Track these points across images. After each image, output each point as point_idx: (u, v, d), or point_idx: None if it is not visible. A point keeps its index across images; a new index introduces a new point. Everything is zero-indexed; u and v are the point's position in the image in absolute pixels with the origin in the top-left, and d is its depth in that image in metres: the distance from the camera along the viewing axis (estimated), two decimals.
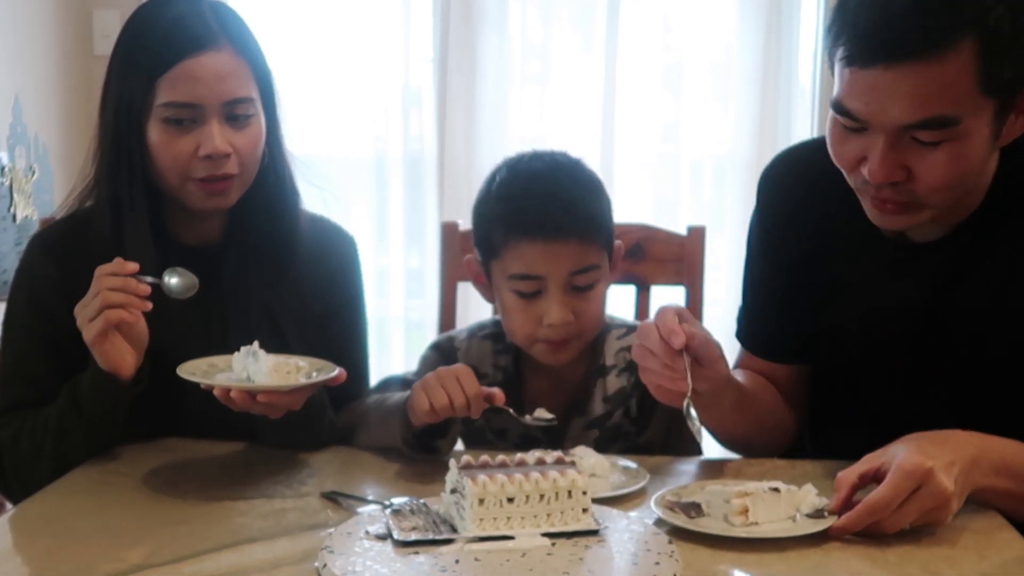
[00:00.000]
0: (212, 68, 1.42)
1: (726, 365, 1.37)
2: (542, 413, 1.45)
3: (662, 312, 1.32)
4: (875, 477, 1.20)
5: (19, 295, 1.53)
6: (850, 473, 1.22)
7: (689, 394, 1.28)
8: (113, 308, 1.33)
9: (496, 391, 1.41)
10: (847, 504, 1.20)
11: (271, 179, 1.54)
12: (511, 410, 1.45)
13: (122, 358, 1.38)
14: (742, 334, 1.63)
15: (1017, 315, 1.36)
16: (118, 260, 1.37)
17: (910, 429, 1.26)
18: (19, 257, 1.59)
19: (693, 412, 1.28)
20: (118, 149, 1.45)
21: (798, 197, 1.51)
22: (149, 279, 1.37)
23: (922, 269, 1.40)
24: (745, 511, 1.19)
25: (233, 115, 1.45)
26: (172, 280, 1.41)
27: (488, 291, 1.60)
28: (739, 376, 1.56)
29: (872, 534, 1.18)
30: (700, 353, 1.30)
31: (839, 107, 1.26)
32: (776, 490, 1.21)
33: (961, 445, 1.23)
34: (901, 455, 1.19)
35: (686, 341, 1.27)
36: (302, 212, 1.59)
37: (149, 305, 1.36)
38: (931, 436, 1.24)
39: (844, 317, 1.48)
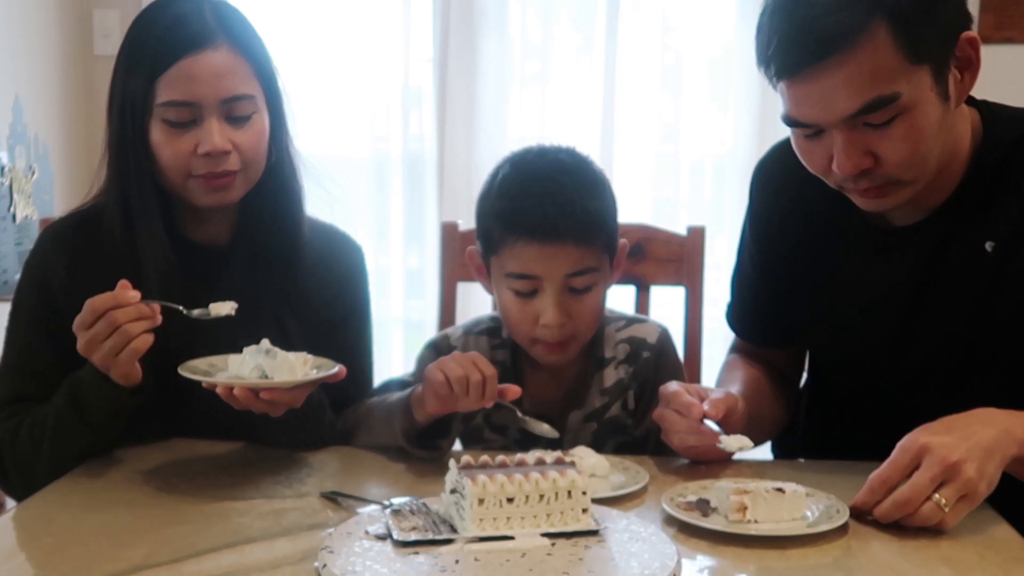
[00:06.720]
0: (209, 66, 1.42)
1: (744, 408, 1.43)
2: (546, 430, 1.47)
3: (670, 394, 1.40)
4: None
5: (28, 286, 1.53)
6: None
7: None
8: (136, 337, 1.32)
9: (511, 386, 1.43)
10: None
11: (277, 178, 1.54)
12: (518, 411, 1.47)
13: (133, 371, 1.36)
14: (735, 323, 1.69)
15: (1002, 292, 1.38)
16: (120, 291, 1.32)
17: (907, 415, 1.27)
18: (20, 257, 1.59)
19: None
20: (125, 149, 1.46)
21: (788, 190, 1.54)
22: (161, 304, 1.35)
23: (907, 251, 1.43)
24: (743, 508, 1.19)
25: (233, 113, 1.45)
26: (195, 311, 1.38)
27: (489, 283, 1.60)
28: (737, 370, 1.61)
29: (907, 526, 1.18)
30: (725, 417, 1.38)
31: (791, 121, 1.33)
32: (780, 491, 1.21)
33: (985, 421, 1.22)
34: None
35: (704, 413, 1.37)
36: (305, 216, 1.59)
37: (159, 320, 1.34)
38: (950, 419, 1.23)
39: (837, 305, 1.51)
